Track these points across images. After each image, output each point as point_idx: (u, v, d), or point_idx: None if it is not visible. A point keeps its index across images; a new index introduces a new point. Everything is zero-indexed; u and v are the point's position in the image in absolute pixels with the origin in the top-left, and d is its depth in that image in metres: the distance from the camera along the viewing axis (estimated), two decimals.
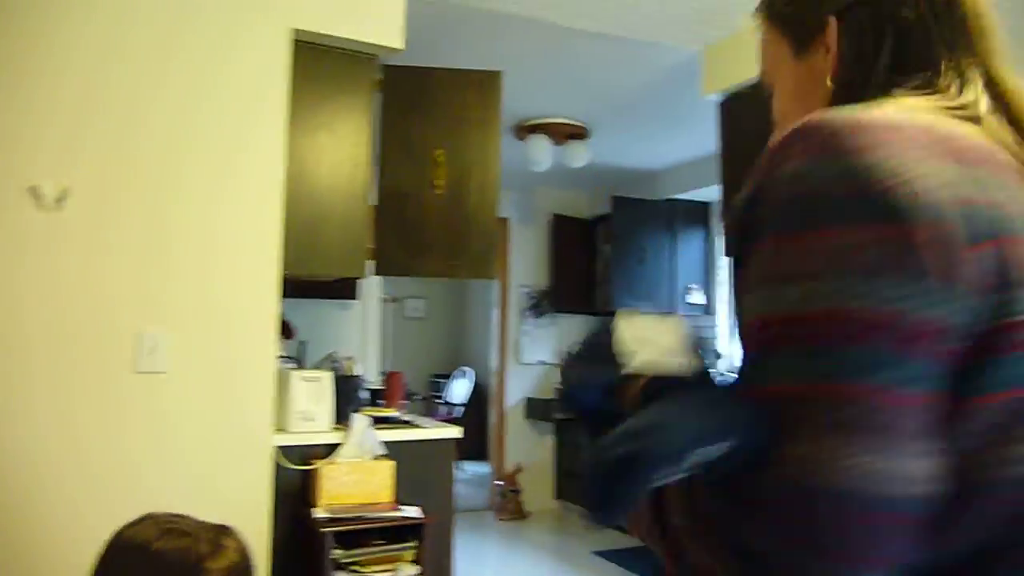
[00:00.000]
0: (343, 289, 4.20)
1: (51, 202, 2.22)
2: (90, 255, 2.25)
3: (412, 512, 2.49)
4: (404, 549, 2.44)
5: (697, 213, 5.72)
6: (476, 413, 7.27)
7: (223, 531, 1.09)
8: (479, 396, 7.33)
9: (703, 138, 4.24)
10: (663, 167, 5.65)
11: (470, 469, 7.15)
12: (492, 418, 6.35)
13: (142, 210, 2.31)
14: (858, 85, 0.72)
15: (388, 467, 2.60)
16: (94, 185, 2.26)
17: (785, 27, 0.79)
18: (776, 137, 0.67)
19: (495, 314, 6.37)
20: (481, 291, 8.21)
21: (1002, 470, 0.58)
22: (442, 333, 8.78)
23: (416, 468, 2.71)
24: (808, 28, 0.76)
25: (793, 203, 0.60)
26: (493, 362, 6.36)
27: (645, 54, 3.47)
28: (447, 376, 7.74)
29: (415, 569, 2.43)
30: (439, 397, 7.48)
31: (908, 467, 0.55)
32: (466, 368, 7.71)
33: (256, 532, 2.33)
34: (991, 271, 0.58)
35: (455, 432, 2.88)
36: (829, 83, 0.74)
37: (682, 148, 5.07)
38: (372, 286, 4.85)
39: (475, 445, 7.54)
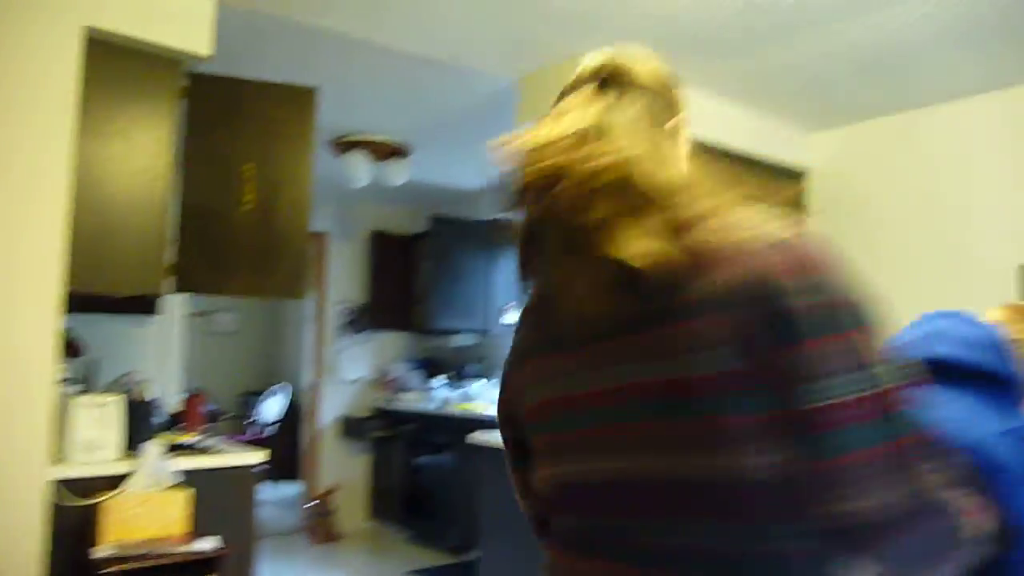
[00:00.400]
0: (142, 304, 3.93)
1: None
2: None
3: (207, 545, 2.36)
4: None
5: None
6: (291, 431, 7.02)
7: None
8: (295, 413, 7.08)
9: None
10: (481, 187, 5.76)
11: (283, 490, 6.89)
12: (305, 436, 6.16)
13: None
14: None
15: (182, 497, 2.45)
16: None
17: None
18: None
19: (311, 330, 6.20)
20: (296, 305, 7.95)
21: None
22: (255, 348, 8.41)
23: (216, 497, 2.57)
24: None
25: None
26: (308, 379, 6.17)
27: (465, 79, 3.53)
28: (260, 393, 7.42)
29: None
30: (250, 416, 7.15)
31: None
32: (281, 385, 7.42)
33: None
34: None
35: (258, 457, 2.77)
36: None
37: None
38: (176, 301, 4.57)
39: (288, 465, 7.26)
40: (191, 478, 2.53)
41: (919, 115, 3.72)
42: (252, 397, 7.59)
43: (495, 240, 5.80)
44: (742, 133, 3.75)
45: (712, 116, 3.59)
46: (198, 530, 2.45)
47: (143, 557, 2.24)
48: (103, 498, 2.34)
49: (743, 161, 3.76)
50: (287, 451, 7.08)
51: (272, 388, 7.43)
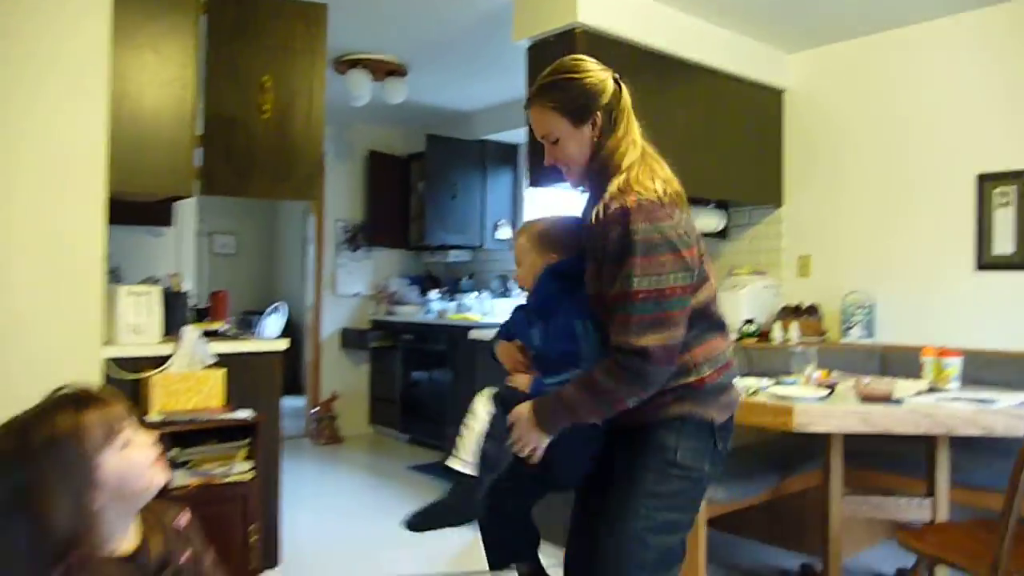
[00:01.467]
0: (158, 214, 4.18)
1: None
2: None
3: (243, 414, 2.68)
4: (237, 448, 2.64)
5: (507, 153, 6.12)
6: (291, 348, 7.33)
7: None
8: (292, 331, 7.38)
9: (514, 82, 4.59)
10: (476, 108, 5.96)
11: (286, 404, 7.24)
12: (307, 350, 6.48)
13: None
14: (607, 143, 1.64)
15: (219, 375, 2.76)
16: None
17: (568, 114, 1.63)
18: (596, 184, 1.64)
19: (310, 249, 6.46)
20: (293, 226, 8.19)
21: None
22: (253, 270, 8.66)
23: (246, 376, 2.89)
24: (584, 118, 1.63)
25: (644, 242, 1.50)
26: (309, 296, 6.46)
27: None
28: (259, 313, 7.70)
29: (248, 464, 2.64)
30: (251, 334, 7.44)
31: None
32: (279, 303, 7.70)
33: None
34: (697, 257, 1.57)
35: (281, 344, 3.09)
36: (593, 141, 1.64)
37: (494, 91, 5.41)
38: (187, 215, 4.81)
39: (288, 380, 7.62)
40: (223, 360, 2.84)
41: (891, 36, 3.95)
42: (252, 316, 7.88)
43: (488, 159, 6.04)
44: (724, 53, 3.97)
45: (697, 37, 3.80)
46: (232, 404, 2.77)
47: (190, 422, 2.56)
48: (150, 374, 2.65)
49: (725, 79, 4.00)
50: (288, 367, 7.41)
51: (271, 307, 7.72)
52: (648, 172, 1.58)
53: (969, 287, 3.66)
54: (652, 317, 1.45)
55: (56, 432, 1.14)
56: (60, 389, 1.22)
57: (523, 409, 1.58)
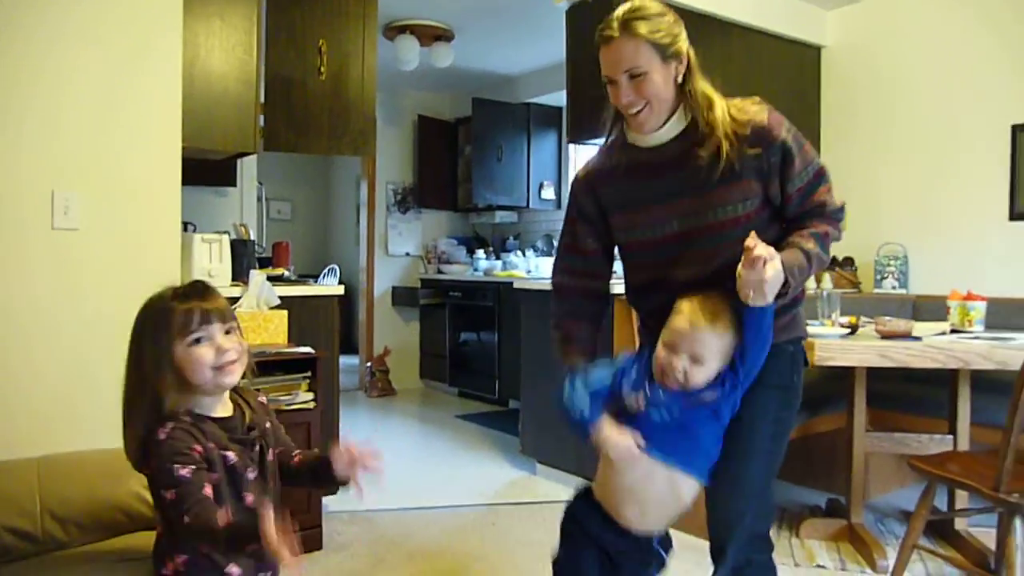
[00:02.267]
0: (223, 175, 4.46)
1: None
2: (6, 122, 2.47)
3: (306, 349, 2.94)
4: (300, 380, 2.90)
5: (551, 115, 6.27)
6: (342, 308, 7.65)
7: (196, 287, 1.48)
8: (345, 293, 7.70)
9: (556, 46, 4.73)
10: (520, 72, 6.12)
11: (340, 361, 7.57)
12: (360, 310, 6.78)
13: (53, 83, 2.54)
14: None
15: (283, 315, 3.02)
16: (6, 59, 2.46)
17: (660, 48, 1.60)
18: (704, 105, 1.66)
19: (364, 212, 6.73)
20: (346, 192, 8.48)
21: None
22: (308, 235, 9.00)
23: (306, 318, 3.16)
24: (673, 54, 1.62)
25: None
26: (361, 259, 6.74)
27: None
28: (314, 277, 8.03)
29: (310, 395, 2.90)
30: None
31: None
32: (332, 266, 8.03)
33: None
34: None
35: (338, 290, 3.35)
36: (679, 80, 1.65)
37: (538, 55, 5.56)
38: (248, 178, 5.10)
39: (342, 338, 7.95)
40: (286, 302, 3.10)
41: None
42: (307, 279, 8.23)
43: (533, 122, 6.20)
44: (763, 12, 4.06)
45: None
46: (295, 342, 3.04)
47: (258, 355, 2.82)
48: None
49: (763, 37, 4.08)
50: (341, 326, 7.74)
51: (327, 269, 8.06)
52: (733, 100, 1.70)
53: (1002, 237, 3.73)
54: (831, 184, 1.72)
55: (152, 303, 1.44)
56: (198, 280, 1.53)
57: (774, 258, 1.52)
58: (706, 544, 1.79)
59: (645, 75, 1.60)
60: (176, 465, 1.32)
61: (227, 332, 1.44)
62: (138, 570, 1.51)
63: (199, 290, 1.46)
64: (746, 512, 1.72)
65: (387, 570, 2.75)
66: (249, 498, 1.42)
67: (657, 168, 1.69)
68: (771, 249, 1.50)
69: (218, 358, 1.39)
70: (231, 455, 1.41)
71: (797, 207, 1.69)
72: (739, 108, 1.66)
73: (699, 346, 1.56)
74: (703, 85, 1.67)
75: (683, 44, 1.64)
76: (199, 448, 1.36)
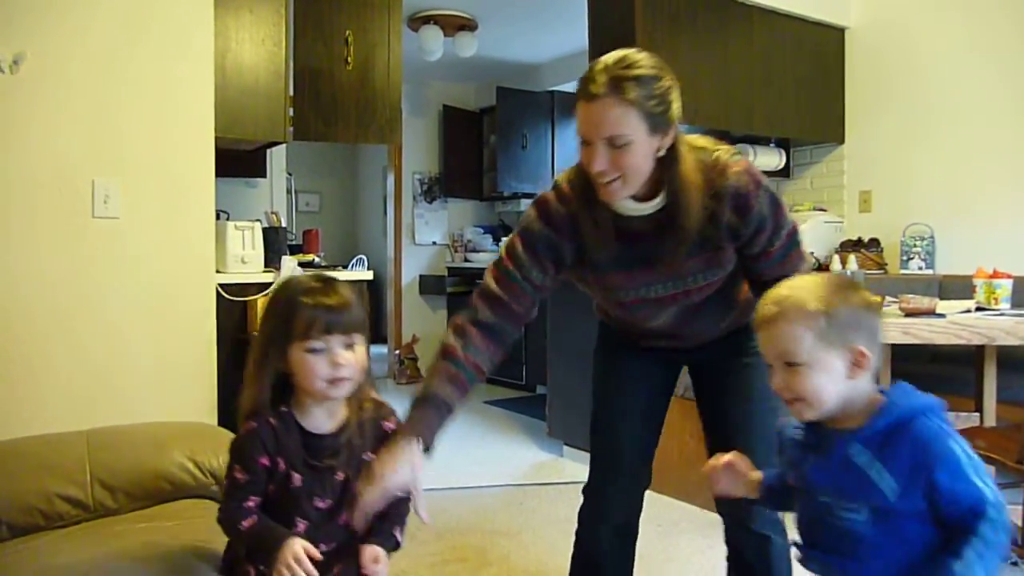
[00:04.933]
0: (254, 166, 4.55)
1: (7, 67, 2.52)
2: (48, 114, 2.57)
3: None
4: None
5: (574, 103, 6.27)
6: (371, 298, 7.77)
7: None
8: (373, 283, 7.81)
9: (579, 34, 4.76)
10: (543, 60, 6.16)
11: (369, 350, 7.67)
12: (388, 299, 6.88)
13: (95, 75, 2.62)
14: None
15: None
16: (48, 52, 2.56)
17: (648, 118, 1.39)
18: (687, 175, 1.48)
19: (391, 202, 6.81)
20: (373, 184, 8.58)
21: None
22: (335, 227, 9.11)
23: None
24: (662, 125, 1.41)
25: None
26: (389, 250, 6.83)
27: None
28: (344, 267, 8.15)
29: None
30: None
31: None
32: (360, 256, 8.14)
33: (206, 350, 2.81)
34: None
35: (367, 275, 3.43)
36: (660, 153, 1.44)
37: (561, 43, 5.59)
38: (277, 169, 5.20)
39: (371, 327, 8.05)
40: None
41: None
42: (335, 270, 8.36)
43: (557, 110, 6.23)
44: None
45: None
46: None
47: None
48: (254, 297, 3.01)
49: (785, 19, 4.08)
50: (369, 315, 7.85)
51: (355, 259, 8.17)
52: (699, 147, 1.54)
53: None
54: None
55: (283, 292, 1.40)
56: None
57: None
58: (718, 518, 1.83)
59: (627, 146, 1.39)
60: (237, 465, 1.35)
61: (348, 346, 1.36)
62: (185, 531, 1.59)
63: (329, 290, 1.38)
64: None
65: (417, 545, 2.83)
66: (301, 526, 1.36)
67: (634, 236, 1.55)
68: None
69: (332, 371, 1.34)
70: (296, 478, 1.36)
71: (776, 266, 1.60)
72: (719, 171, 1.49)
73: (782, 341, 1.13)
74: (685, 164, 1.47)
75: (675, 113, 1.44)
76: (265, 461, 1.34)
